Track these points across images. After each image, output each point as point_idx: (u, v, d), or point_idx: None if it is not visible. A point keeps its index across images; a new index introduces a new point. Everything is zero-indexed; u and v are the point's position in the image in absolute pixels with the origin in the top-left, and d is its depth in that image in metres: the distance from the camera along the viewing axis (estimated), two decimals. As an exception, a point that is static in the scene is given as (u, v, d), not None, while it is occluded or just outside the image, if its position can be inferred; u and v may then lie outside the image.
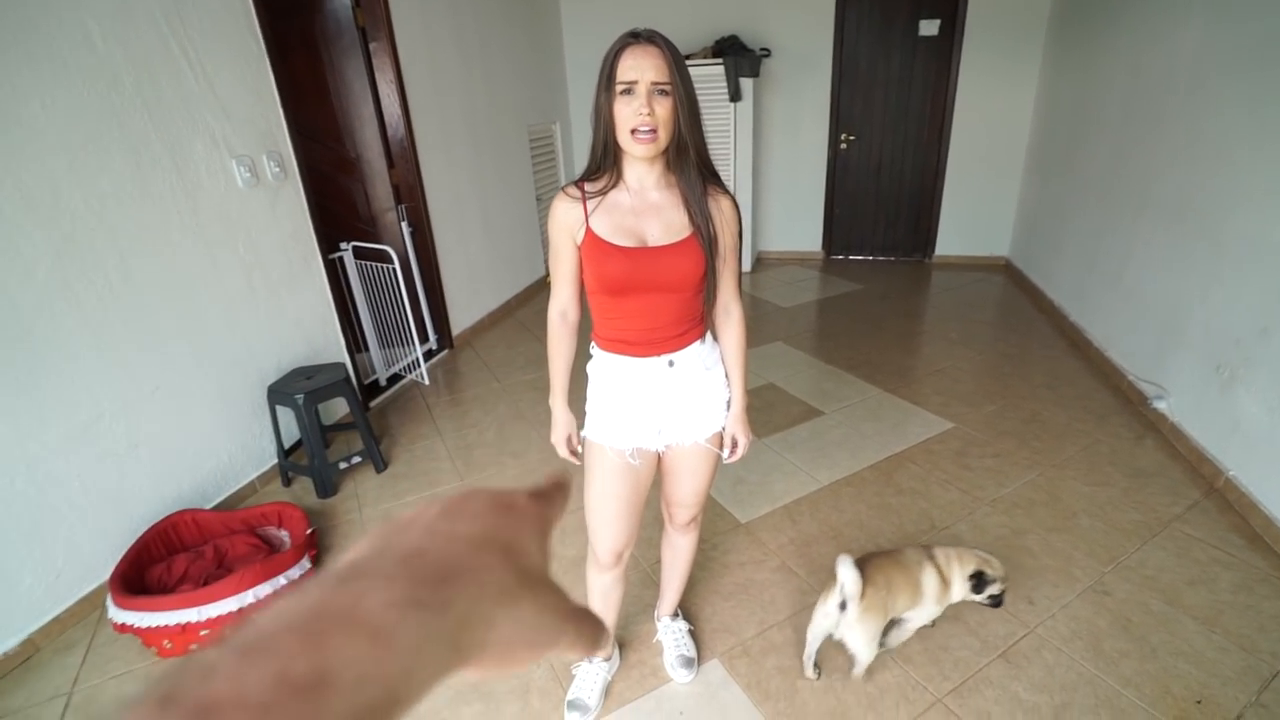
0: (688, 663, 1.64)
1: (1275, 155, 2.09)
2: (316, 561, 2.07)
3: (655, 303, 1.19)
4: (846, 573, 1.42)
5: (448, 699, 1.61)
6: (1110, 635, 1.68)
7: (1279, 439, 2.00)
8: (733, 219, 1.22)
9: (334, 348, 2.90)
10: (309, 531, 2.06)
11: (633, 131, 1.07)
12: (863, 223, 5.20)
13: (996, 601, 1.58)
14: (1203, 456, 2.33)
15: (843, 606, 1.45)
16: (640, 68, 1.04)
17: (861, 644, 1.48)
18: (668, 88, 1.06)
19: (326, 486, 2.44)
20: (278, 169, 2.52)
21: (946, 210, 4.95)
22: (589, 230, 1.16)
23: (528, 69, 4.61)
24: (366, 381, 3.22)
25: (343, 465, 2.48)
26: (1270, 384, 2.05)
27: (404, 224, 3.43)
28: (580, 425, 1.36)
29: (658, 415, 1.29)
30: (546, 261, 5.12)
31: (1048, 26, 4.29)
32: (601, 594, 1.48)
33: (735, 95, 4.54)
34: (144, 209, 2.04)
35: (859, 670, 1.54)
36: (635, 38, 1.07)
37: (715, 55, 4.55)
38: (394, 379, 3.38)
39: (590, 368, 1.32)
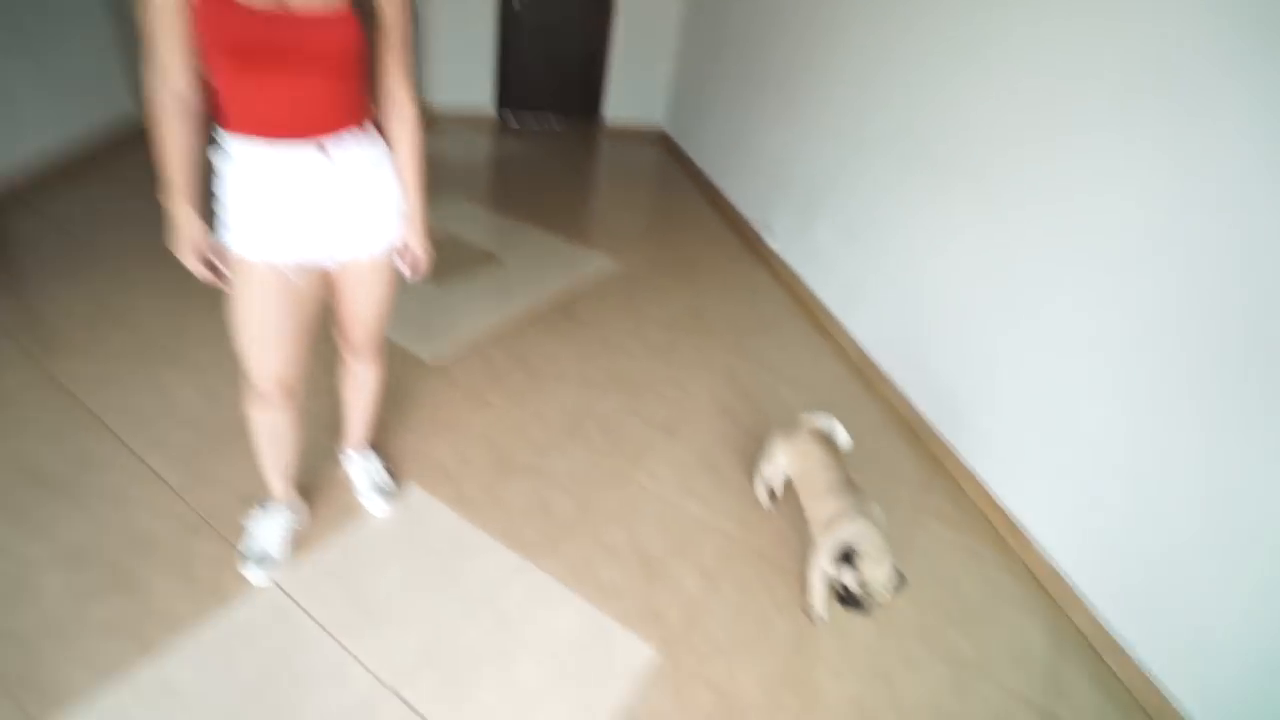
0: (383, 490, 1.59)
1: (839, 32, 2.67)
2: None
3: (297, 85, 0.99)
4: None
5: (75, 597, 1.28)
6: (735, 401, 2.17)
7: (838, 260, 2.72)
8: None
9: None
10: None
11: None
12: (536, 81, 5.13)
13: (845, 598, 1.37)
14: (794, 277, 3.05)
15: None
16: None
17: None
18: None
19: None
20: None
21: (614, 76, 5.19)
22: None
23: None
24: None
25: None
26: (834, 217, 2.74)
27: None
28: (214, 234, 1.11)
29: (319, 220, 1.11)
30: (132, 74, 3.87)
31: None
32: (271, 435, 1.31)
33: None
34: None
35: None
36: None
37: None
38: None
39: (218, 156, 1.07)
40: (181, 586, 1.35)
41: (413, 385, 2.03)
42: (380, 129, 1.17)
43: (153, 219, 2.75)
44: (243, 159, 1.05)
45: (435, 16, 4.69)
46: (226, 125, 1.04)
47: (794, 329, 2.70)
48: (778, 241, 3.24)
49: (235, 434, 1.71)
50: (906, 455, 2.08)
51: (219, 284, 1.15)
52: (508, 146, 4.61)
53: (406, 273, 1.29)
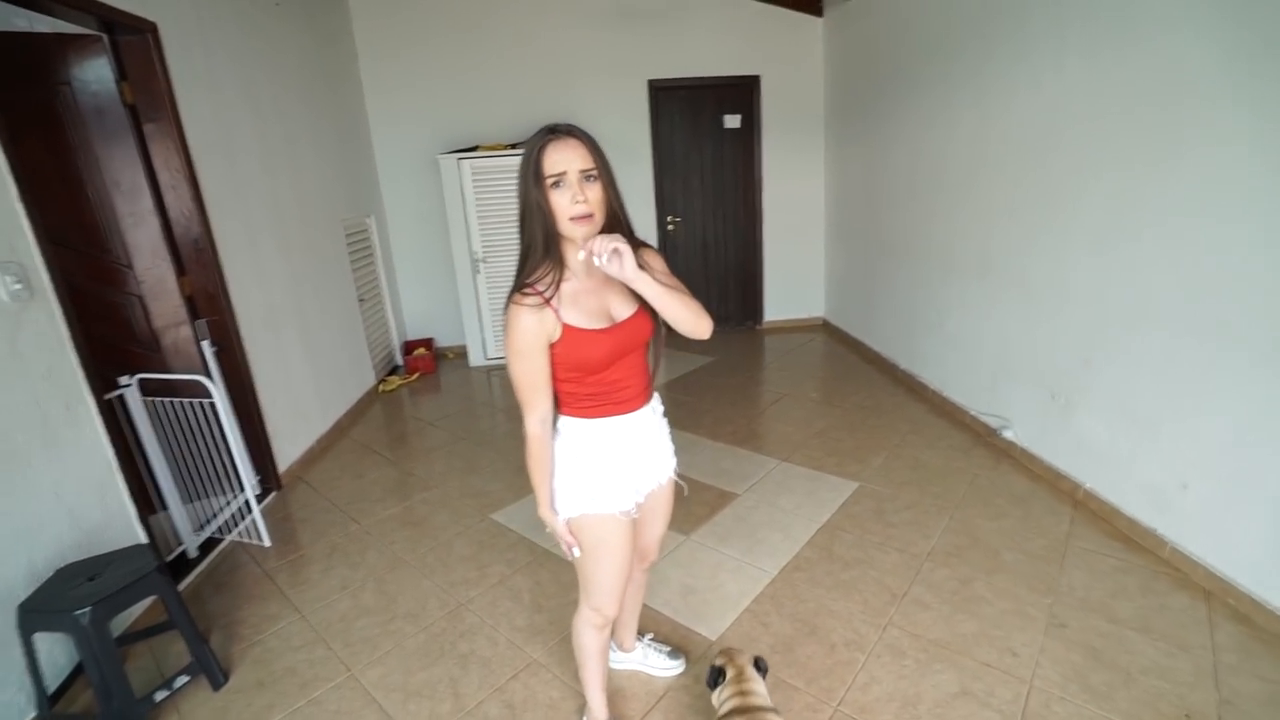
0: (674, 653, 1.84)
1: (1054, 215, 2.57)
2: None
3: (634, 362, 1.30)
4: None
5: None
6: (1090, 669, 1.75)
7: (1120, 451, 2.36)
8: (660, 263, 1.30)
9: (120, 521, 2.09)
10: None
11: (572, 218, 1.13)
12: (697, 298, 5.43)
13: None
14: (1057, 474, 2.67)
15: None
16: (567, 160, 1.12)
17: None
18: (594, 173, 1.14)
19: (134, 735, 1.66)
20: (18, 286, 1.79)
21: (768, 281, 5.42)
22: (565, 327, 1.19)
23: (336, 159, 4.12)
24: (169, 557, 2.37)
25: (160, 696, 1.72)
26: (1105, 406, 2.43)
27: (205, 343, 2.70)
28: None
29: (642, 463, 1.37)
30: (382, 370, 4.46)
31: (825, 122, 5.03)
32: (601, 650, 1.51)
33: (568, 183, 4.53)
34: None
35: None
36: (554, 133, 1.14)
37: (543, 145, 4.52)
38: (208, 544, 2.55)
39: (563, 445, 1.30)
40: None
41: (703, 670, 1.83)
42: None
43: (399, 487, 3.06)
44: (591, 435, 1.29)
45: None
46: (586, 415, 1.28)
47: (1096, 547, 2.27)
48: (1020, 436, 2.92)
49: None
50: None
51: (570, 551, 1.33)
52: (687, 362, 4.77)
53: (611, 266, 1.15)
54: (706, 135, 5.09)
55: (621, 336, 1.22)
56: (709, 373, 4.50)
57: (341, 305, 3.99)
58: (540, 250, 1.17)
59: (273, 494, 2.99)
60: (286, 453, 3.15)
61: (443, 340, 5.22)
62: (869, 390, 3.95)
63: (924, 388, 3.75)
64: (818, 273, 5.40)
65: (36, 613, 1.60)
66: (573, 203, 1.12)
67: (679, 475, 1.50)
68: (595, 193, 1.14)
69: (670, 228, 5.28)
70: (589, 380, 1.24)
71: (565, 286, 1.19)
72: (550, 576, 2.30)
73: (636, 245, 1.23)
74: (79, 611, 1.58)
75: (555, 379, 1.23)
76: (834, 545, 2.38)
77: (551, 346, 1.19)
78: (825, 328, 5.39)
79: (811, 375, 4.34)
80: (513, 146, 4.58)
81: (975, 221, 3.16)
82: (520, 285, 1.18)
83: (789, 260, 5.37)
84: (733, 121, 5.04)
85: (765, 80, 4.97)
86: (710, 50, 4.86)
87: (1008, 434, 2.98)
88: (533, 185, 1.13)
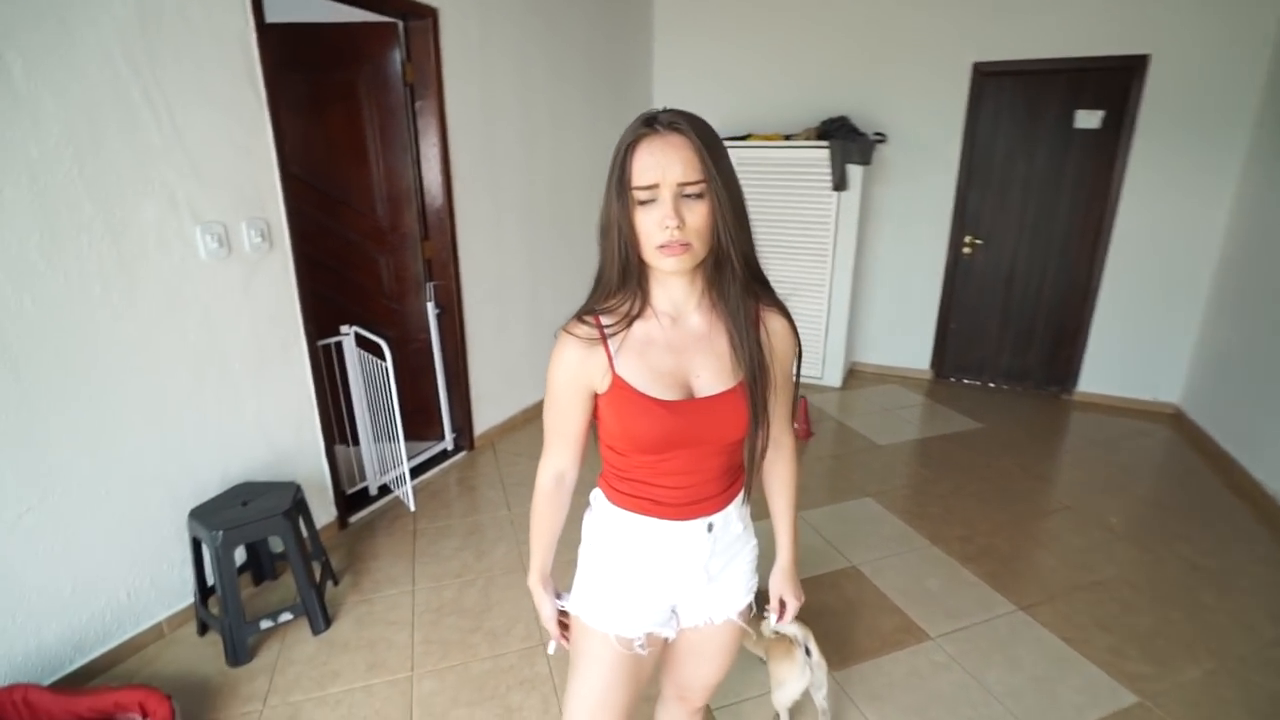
0: None
1: None
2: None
3: (699, 457, 0.93)
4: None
5: None
6: None
7: None
8: (787, 344, 0.95)
9: (311, 450, 2.38)
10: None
11: (659, 246, 0.82)
12: (984, 342, 4.29)
13: None
14: None
15: (808, 652, 1.45)
16: (661, 166, 0.79)
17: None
18: (700, 188, 0.80)
19: (239, 651, 1.85)
20: (260, 239, 2.08)
21: (1096, 338, 3.98)
22: (615, 379, 0.88)
23: (608, 141, 4.17)
24: (351, 491, 2.67)
25: (265, 624, 1.89)
26: None
27: (430, 304, 2.95)
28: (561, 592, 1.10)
29: (679, 590, 1.02)
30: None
31: (1254, 125, 3.38)
32: None
33: (840, 184, 3.89)
34: (51, 283, 1.61)
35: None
36: (651, 126, 0.81)
37: (820, 137, 3.95)
38: (386, 488, 2.82)
39: (590, 522, 1.04)
40: None
41: None
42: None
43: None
44: (617, 530, 0.99)
45: (876, 270, 4.46)
46: (614, 499, 0.99)
47: None
48: None
49: None
50: None
51: (567, 647, 1.07)
52: (945, 422, 3.80)
53: (775, 622, 1.14)
54: (1043, 136, 3.86)
55: (691, 420, 0.88)
56: (967, 443, 3.48)
57: (582, 287, 4.07)
58: (615, 279, 0.87)
59: (464, 452, 3.21)
60: (488, 416, 3.35)
61: (678, 333, 5.10)
62: (1218, 538, 2.57)
63: (1336, 571, 2.28)
64: (1181, 341, 3.76)
65: (196, 520, 1.87)
66: (660, 227, 0.80)
67: (745, 620, 1.09)
68: (697, 216, 0.80)
69: (966, 250, 4.22)
70: (635, 455, 0.93)
71: (638, 327, 0.89)
72: (643, 651, 1.94)
73: (768, 302, 0.93)
74: (214, 532, 1.79)
75: (604, 442, 0.96)
76: (1049, 789, 1.53)
77: (596, 398, 0.91)
78: (1176, 421, 3.76)
79: (1126, 487, 3.03)
80: (787, 138, 4.11)
81: None
82: (582, 313, 0.91)
83: (1136, 315, 3.85)
84: (1088, 119, 3.71)
85: (1156, 61, 3.52)
86: (1070, 21, 3.60)
87: None
88: (614, 195, 0.82)
